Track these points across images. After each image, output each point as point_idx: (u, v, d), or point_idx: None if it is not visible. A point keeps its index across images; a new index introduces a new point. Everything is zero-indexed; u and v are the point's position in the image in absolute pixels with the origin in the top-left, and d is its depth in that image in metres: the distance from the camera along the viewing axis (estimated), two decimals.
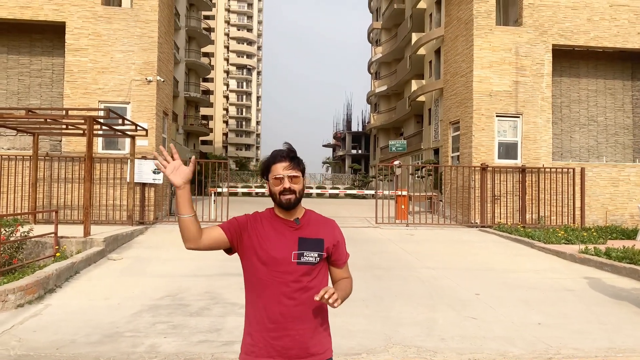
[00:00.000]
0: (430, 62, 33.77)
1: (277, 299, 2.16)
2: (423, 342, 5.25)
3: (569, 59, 16.63)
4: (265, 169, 2.30)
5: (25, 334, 5.35)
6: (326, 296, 2.03)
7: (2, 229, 7.87)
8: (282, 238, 2.22)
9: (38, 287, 6.76)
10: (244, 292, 2.32)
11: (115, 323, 5.78)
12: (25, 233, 8.37)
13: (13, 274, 7.33)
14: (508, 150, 15.35)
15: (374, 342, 5.25)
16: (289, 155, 2.27)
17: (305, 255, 2.21)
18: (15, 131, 13.30)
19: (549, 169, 15.08)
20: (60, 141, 14.39)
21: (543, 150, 15.31)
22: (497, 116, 15.22)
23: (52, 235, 9.09)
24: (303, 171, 2.30)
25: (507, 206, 15.01)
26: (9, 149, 14.60)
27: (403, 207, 15.71)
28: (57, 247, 9.04)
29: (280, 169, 2.23)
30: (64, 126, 11.91)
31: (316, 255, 2.23)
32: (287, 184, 2.22)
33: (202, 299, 6.81)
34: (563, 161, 16.19)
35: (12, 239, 8.03)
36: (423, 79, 36.00)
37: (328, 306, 2.32)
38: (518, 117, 15.27)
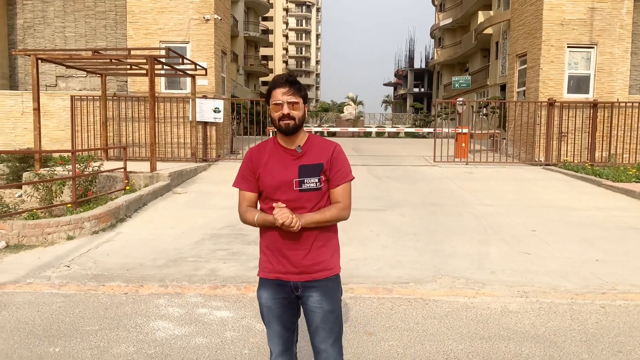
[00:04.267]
0: None
1: None
2: (472, 275, 5.28)
3: None
4: (267, 96, 2.31)
5: (99, 257, 5.87)
6: (285, 222, 2.13)
7: (77, 164, 8.49)
8: (284, 168, 2.28)
9: (110, 217, 7.31)
10: None
11: (179, 249, 6.20)
12: (97, 167, 8.98)
13: (88, 205, 7.95)
14: (579, 84, 14.39)
15: (422, 272, 5.35)
16: (289, 80, 2.26)
17: (306, 182, 2.26)
18: (85, 72, 13.97)
19: (624, 104, 14.07)
20: (126, 82, 14.96)
21: (619, 84, 14.23)
22: (568, 47, 14.18)
23: (122, 170, 9.70)
24: (305, 98, 2.30)
25: (574, 143, 14.26)
26: (80, 90, 15.39)
27: (463, 145, 15.32)
28: (126, 181, 9.65)
29: (280, 94, 2.24)
30: (128, 67, 12.36)
31: (317, 180, 2.28)
32: (285, 109, 2.23)
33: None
34: None
35: (86, 172, 8.64)
36: (490, 9, 33.92)
37: (337, 226, 2.44)
38: (592, 47, 14.16)
